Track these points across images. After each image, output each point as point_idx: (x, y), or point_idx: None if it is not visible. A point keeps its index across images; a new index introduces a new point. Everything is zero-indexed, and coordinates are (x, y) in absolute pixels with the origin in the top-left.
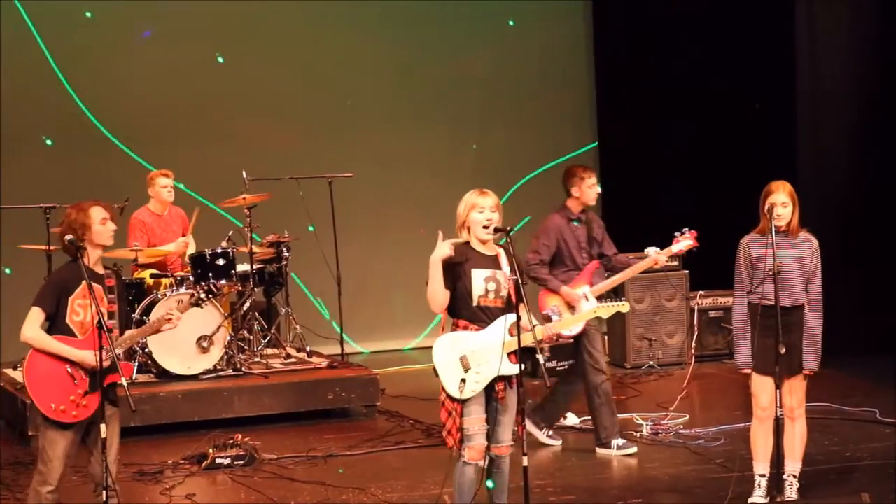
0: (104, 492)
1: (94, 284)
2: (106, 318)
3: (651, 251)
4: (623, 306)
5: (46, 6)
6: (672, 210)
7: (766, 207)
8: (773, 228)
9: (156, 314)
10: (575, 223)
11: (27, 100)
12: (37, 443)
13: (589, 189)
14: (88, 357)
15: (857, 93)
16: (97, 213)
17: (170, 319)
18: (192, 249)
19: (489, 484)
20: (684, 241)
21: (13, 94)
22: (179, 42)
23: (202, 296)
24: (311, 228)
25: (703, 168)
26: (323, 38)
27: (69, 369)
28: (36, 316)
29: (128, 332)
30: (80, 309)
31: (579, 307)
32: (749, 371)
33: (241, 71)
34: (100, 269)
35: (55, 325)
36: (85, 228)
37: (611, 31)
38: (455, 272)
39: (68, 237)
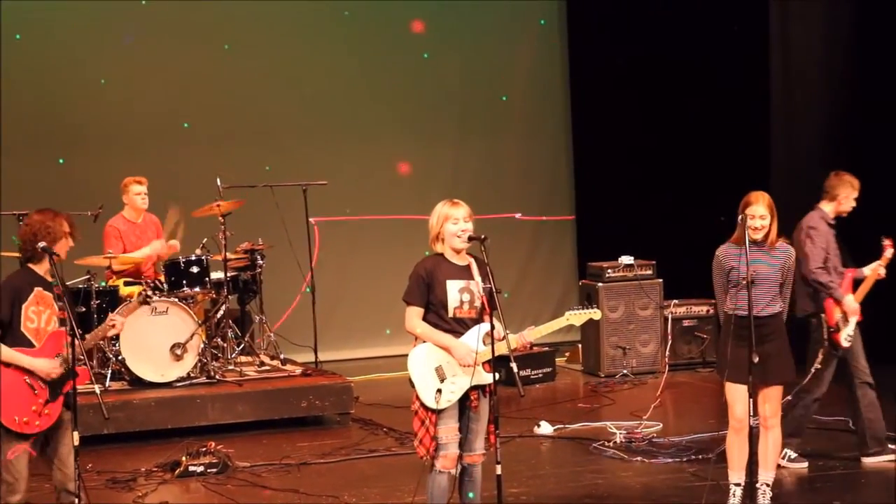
0: (71, 497)
1: (45, 292)
2: (57, 324)
3: (869, 268)
4: (595, 313)
5: (22, 6)
6: (647, 217)
7: (741, 218)
8: (754, 239)
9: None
10: (831, 228)
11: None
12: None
13: (850, 200)
14: (44, 364)
15: (830, 92)
16: (67, 226)
17: (113, 325)
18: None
19: (470, 495)
20: (889, 249)
21: None
22: (155, 48)
23: (149, 293)
24: (308, 290)
25: (677, 176)
26: (298, 46)
27: (28, 380)
28: None
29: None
30: (35, 315)
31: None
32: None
33: (215, 78)
34: (48, 278)
35: (10, 334)
36: (58, 236)
37: (586, 43)
38: (430, 285)
39: (42, 244)
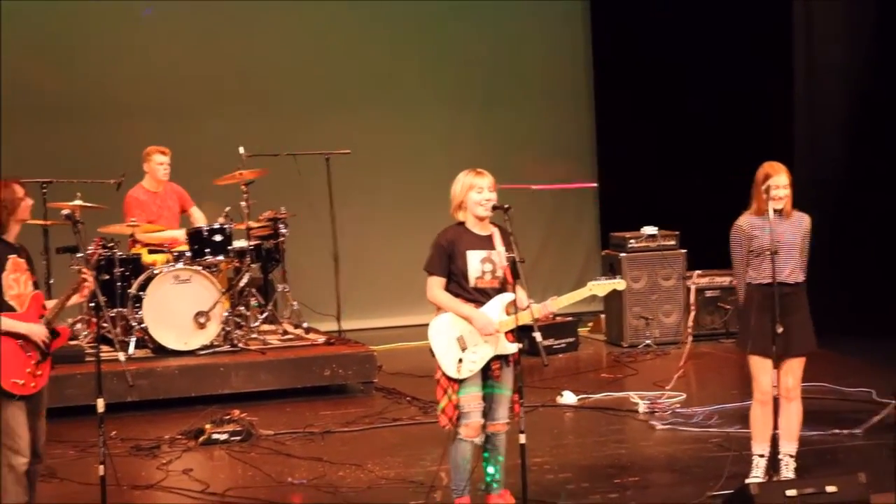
0: (38, 460)
1: (19, 258)
2: (33, 288)
3: None
4: (619, 283)
5: None
6: (670, 188)
7: (765, 188)
8: (775, 209)
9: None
10: None
11: (22, 74)
12: None
13: None
14: (36, 328)
15: (853, 76)
16: (20, 190)
17: (84, 279)
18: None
19: (489, 470)
20: None
21: (8, 68)
22: (177, 18)
23: (100, 251)
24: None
25: (701, 147)
26: (322, 15)
27: (20, 343)
28: None
29: (50, 302)
30: (14, 283)
31: None
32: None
33: (238, 47)
34: (16, 244)
35: None
36: (15, 204)
37: (609, 10)
38: (451, 255)
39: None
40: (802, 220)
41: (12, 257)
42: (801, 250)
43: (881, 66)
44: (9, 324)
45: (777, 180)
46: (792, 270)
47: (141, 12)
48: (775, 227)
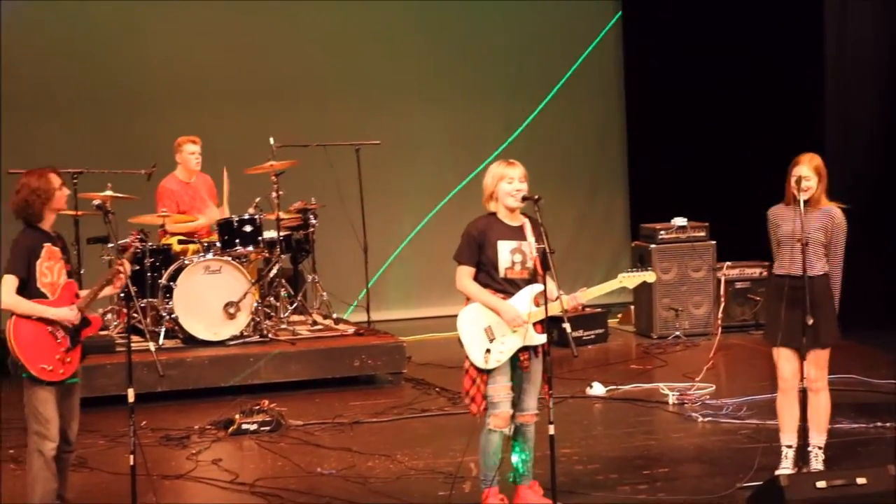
0: (71, 448)
1: (53, 247)
2: (66, 276)
3: None
4: (649, 276)
5: None
6: (700, 179)
7: (792, 179)
8: (800, 200)
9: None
10: None
11: (54, 64)
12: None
13: None
14: (67, 314)
15: (885, 66)
16: (56, 179)
17: (119, 270)
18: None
19: (518, 461)
20: None
21: (39, 58)
22: (211, 9)
23: (138, 244)
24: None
25: (731, 138)
26: (351, 6)
27: (50, 329)
28: (10, 283)
29: (83, 291)
30: (48, 271)
31: None
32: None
33: (270, 38)
34: (52, 233)
35: (27, 290)
36: (50, 194)
37: (641, 1)
38: (481, 245)
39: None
40: (830, 213)
41: (47, 245)
42: (825, 243)
43: None
44: (38, 309)
45: (799, 170)
46: (812, 263)
47: None
48: (801, 218)
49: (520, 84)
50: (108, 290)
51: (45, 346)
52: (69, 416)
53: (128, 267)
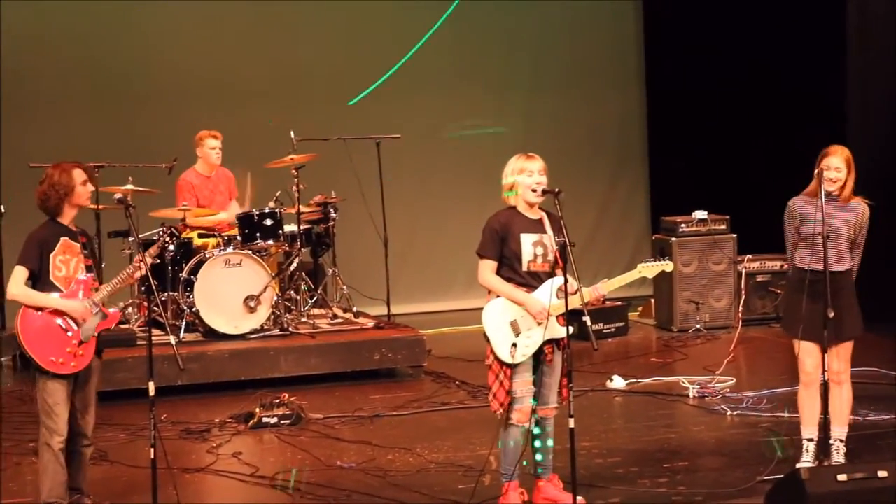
0: (88, 442)
1: (72, 241)
2: (85, 271)
3: None
4: (667, 265)
5: None
6: (721, 172)
7: (819, 169)
8: (828, 192)
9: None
10: None
11: (73, 58)
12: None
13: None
14: (76, 305)
15: None
16: (79, 175)
17: (140, 267)
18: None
19: (538, 455)
20: None
21: (61, 54)
22: (231, 4)
23: (167, 239)
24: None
25: (752, 131)
26: (371, 2)
27: (60, 321)
28: (21, 274)
29: (102, 286)
30: (62, 265)
31: None
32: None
33: (289, 33)
34: (73, 228)
35: (40, 282)
36: (69, 189)
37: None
38: (504, 238)
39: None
40: (859, 209)
41: (64, 239)
42: (853, 239)
43: None
44: (45, 300)
45: (829, 161)
46: (839, 258)
47: None
48: (826, 211)
49: (540, 77)
50: (123, 282)
51: (55, 338)
52: (83, 409)
53: (148, 262)
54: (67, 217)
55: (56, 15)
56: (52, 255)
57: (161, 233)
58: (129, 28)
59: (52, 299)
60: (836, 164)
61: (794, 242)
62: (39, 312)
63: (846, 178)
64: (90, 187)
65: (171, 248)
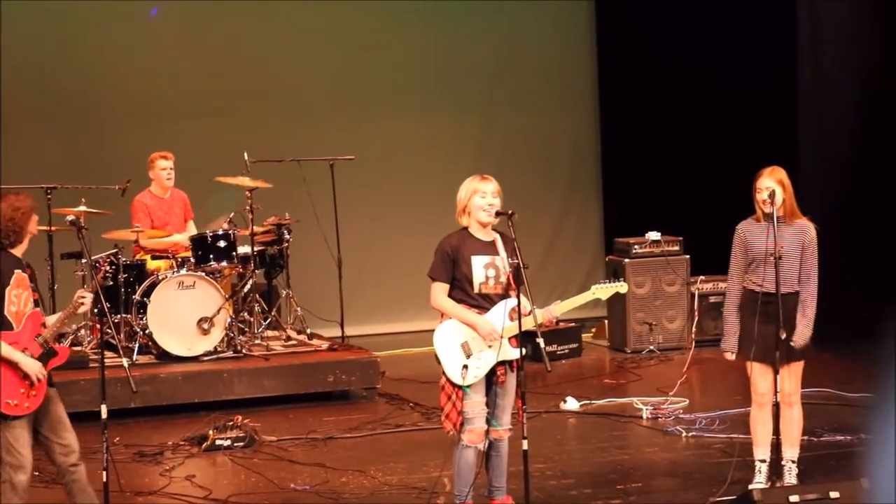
0: (79, 466)
1: (23, 274)
2: (33, 305)
3: None
4: (621, 286)
5: None
6: (672, 196)
7: (758, 194)
8: (768, 214)
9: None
10: None
11: (26, 77)
12: None
13: None
14: (31, 364)
15: (859, 80)
16: (31, 201)
17: (83, 302)
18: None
19: (492, 476)
20: None
21: (11, 71)
22: (183, 21)
23: (107, 268)
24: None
25: (705, 153)
26: (325, 19)
27: (13, 365)
28: None
29: (49, 319)
30: (16, 298)
31: None
32: (732, 356)
33: (243, 51)
34: (22, 259)
35: None
36: (30, 215)
37: (614, 11)
38: (455, 261)
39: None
40: (807, 229)
41: (17, 272)
42: (802, 259)
43: (887, 67)
44: (7, 351)
45: (761, 182)
46: (784, 279)
47: (148, 13)
48: (770, 233)
49: (494, 95)
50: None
51: (10, 381)
52: (54, 435)
53: (90, 298)
54: (21, 249)
55: (5, 35)
56: (7, 290)
57: (99, 262)
58: (81, 48)
59: (15, 354)
60: (766, 185)
61: (738, 265)
62: None
63: (783, 197)
64: (36, 215)
65: (109, 274)
